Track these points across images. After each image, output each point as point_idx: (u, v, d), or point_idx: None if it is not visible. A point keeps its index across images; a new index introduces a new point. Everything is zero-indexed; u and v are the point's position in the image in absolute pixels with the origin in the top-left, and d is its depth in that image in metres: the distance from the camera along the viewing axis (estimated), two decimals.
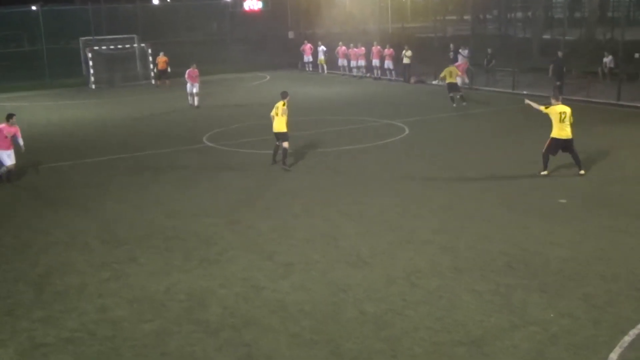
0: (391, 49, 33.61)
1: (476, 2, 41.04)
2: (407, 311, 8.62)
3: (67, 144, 20.94)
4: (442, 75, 24.30)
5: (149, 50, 35.61)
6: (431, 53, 33.49)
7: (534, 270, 9.73)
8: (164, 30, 44.47)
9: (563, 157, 14.81)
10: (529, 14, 43.81)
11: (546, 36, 39.17)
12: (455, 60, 30.41)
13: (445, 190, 14.18)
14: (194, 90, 26.48)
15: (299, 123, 20.74)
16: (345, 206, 13.21)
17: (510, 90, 27.26)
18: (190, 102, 26.70)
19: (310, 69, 39.46)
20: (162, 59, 33.50)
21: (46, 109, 28.36)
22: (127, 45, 35.98)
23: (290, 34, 43.80)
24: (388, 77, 34.17)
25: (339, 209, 13.02)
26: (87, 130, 23.26)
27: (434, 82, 31.12)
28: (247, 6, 45.50)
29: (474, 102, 24.35)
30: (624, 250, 10.41)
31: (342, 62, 37.07)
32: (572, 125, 14.45)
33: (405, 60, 32.52)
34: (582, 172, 14.59)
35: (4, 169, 15.51)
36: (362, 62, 35.47)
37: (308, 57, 39.35)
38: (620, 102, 23.48)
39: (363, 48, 35.21)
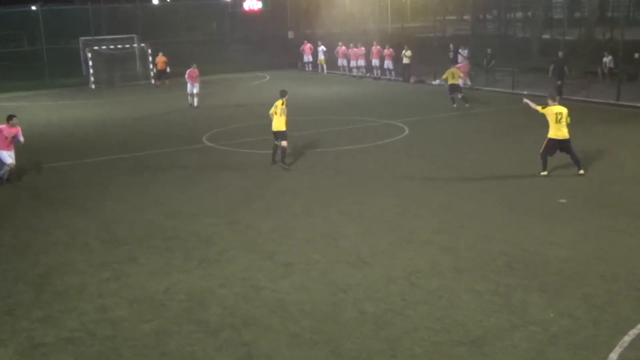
0: (391, 49, 33.63)
1: (476, 2, 41.05)
2: (407, 311, 8.62)
3: (67, 143, 20.94)
4: (444, 77, 24.28)
5: (149, 50, 35.62)
6: (431, 53, 33.49)
7: (534, 270, 9.73)
8: (163, 30, 44.48)
9: (563, 157, 14.81)
10: (529, 14, 43.80)
11: (546, 36, 39.18)
12: (455, 60, 30.44)
13: (445, 190, 14.18)
14: (195, 91, 26.49)
15: (298, 123, 20.75)
16: (345, 206, 13.21)
17: (510, 90, 27.27)
18: (190, 102, 26.71)
19: (310, 68, 39.48)
20: (161, 59, 33.49)
21: (46, 109, 28.36)
22: (127, 45, 36.00)
23: (290, 34, 43.81)
24: (388, 77, 34.18)
25: (339, 209, 13.02)
26: (87, 130, 23.26)
27: (433, 82, 31.16)
28: (246, 6, 45.50)
29: (474, 102, 24.34)
30: (624, 250, 10.41)
31: (341, 62, 37.09)
32: (570, 125, 14.46)
33: (405, 60, 32.54)
34: (581, 171, 14.60)
35: (5, 169, 15.48)
36: (361, 62, 35.50)
37: (308, 57, 39.37)
38: (620, 102, 23.48)
39: (363, 48, 35.23)
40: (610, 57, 28.17)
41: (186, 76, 26.44)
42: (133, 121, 24.67)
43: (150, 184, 15.56)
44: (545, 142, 14.53)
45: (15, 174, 16.00)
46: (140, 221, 12.78)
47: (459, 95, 23.63)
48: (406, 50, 32.41)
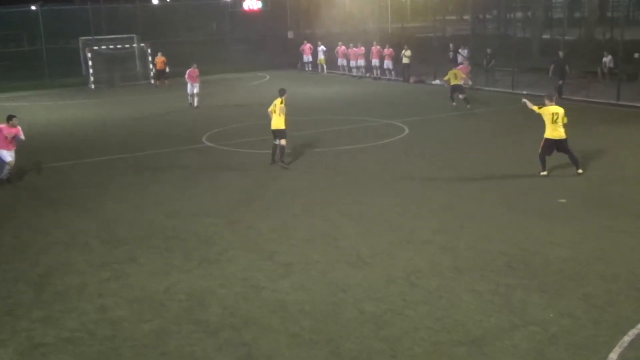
0: (391, 49, 33.64)
1: (476, 2, 41.07)
2: (407, 311, 8.62)
3: (66, 143, 20.94)
4: (446, 78, 24.26)
5: (149, 50, 35.61)
6: (431, 53, 33.50)
7: (534, 270, 9.73)
8: (163, 30, 44.51)
9: (562, 157, 14.81)
10: (529, 13, 43.81)
11: (546, 36, 39.19)
12: (455, 60, 30.44)
13: (445, 190, 14.18)
14: (195, 91, 26.47)
15: (298, 123, 20.75)
16: (345, 206, 13.22)
17: (509, 90, 27.27)
18: (190, 102, 26.70)
19: (310, 68, 39.49)
20: (160, 59, 33.50)
21: (46, 109, 28.36)
22: (127, 45, 36.00)
23: (290, 34, 43.82)
24: (387, 77, 34.19)
25: (338, 209, 13.02)
26: (86, 130, 23.26)
27: (433, 82, 31.17)
28: (246, 6, 45.53)
29: (474, 102, 24.30)
30: (624, 250, 10.41)
31: (341, 61, 37.10)
32: (569, 125, 14.46)
33: (405, 60, 32.54)
34: (580, 171, 14.61)
35: (6, 168, 15.43)
36: (361, 62, 35.50)
37: (307, 57, 39.39)
38: (620, 102, 23.48)
39: (362, 48, 35.24)
40: (610, 57, 28.16)
41: (186, 76, 26.44)
42: (133, 121, 24.67)
43: (150, 184, 15.57)
44: (542, 142, 14.55)
45: (15, 174, 15.98)
46: (140, 221, 12.78)
47: (460, 96, 23.63)
48: (406, 50, 32.42)
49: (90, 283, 9.94)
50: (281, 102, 16.09)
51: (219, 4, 46.12)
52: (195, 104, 26.50)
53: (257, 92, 30.65)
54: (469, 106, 23.47)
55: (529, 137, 17.49)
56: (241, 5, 46.00)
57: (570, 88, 25.23)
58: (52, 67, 35.72)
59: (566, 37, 35.51)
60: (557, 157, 14.92)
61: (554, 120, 14.32)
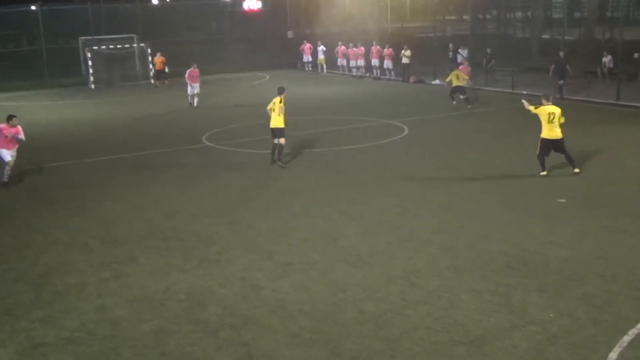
0: (390, 49, 33.64)
1: (475, 2, 41.08)
2: (407, 311, 8.62)
3: (66, 143, 20.94)
4: (448, 79, 24.25)
5: (149, 50, 35.61)
6: (430, 53, 33.50)
7: (534, 270, 9.73)
8: (163, 30, 44.50)
9: (561, 157, 14.82)
10: (528, 13, 43.83)
11: (545, 36, 39.18)
12: (455, 59, 30.43)
13: (444, 190, 14.18)
14: (195, 91, 26.42)
15: (298, 123, 20.76)
16: (344, 206, 13.22)
17: (509, 90, 27.27)
18: (190, 102, 26.66)
19: (310, 68, 39.50)
20: (159, 59, 33.50)
21: (45, 109, 28.36)
22: (127, 45, 36.00)
23: (290, 34, 43.83)
24: (387, 76, 34.19)
25: (338, 209, 13.02)
26: (86, 130, 23.26)
27: (433, 82, 31.17)
28: (246, 6, 45.52)
29: (474, 101, 24.30)
30: (624, 250, 10.42)
31: (341, 61, 37.11)
32: (569, 125, 14.46)
33: (405, 60, 32.55)
34: (576, 170, 14.60)
35: (6, 169, 15.38)
36: (361, 62, 35.50)
37: (307, 57, 39.40)
38: (620, 102, 23.48)
39: (362, 48, 35.25)
40: (609, 57, 28.16)
41: (186, 76, 26.36)
42: (133, 121, 24.66)
43: (150, 183, 15.56)
44: (539, 143, 14.55)
45: (15, 174, 15.86)
46: (140, 221, 12.78)
47: (461, 96, 23.66)
48: (405, 50, 32.42)
49: (90, 283, 9.94)
50: (280, 101, 16.10)
51: (219, 4, 46.14)
52: (195, 104, 26.49)
53: (257, 92, 30.65)
54: (469, 106, 23.48)
55: (529, 137, 17.47)
56: (241, 5, 46.00)
57: (570, 88, 25.23)
58: (52, 67, 35.72)
59: (566, 37, 35.51)
60: (556, 157, 14.93)
61: (550, 120, 14.32)
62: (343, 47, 36.71)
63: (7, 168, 15.39)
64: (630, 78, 26.26)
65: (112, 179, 16.13)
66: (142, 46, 36.06)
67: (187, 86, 26.55)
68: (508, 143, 18.24)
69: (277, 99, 16.18)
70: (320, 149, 18.39)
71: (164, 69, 33.20)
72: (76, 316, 8.86)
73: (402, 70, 32.90)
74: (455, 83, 23.64)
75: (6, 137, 15.18)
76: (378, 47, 34.27)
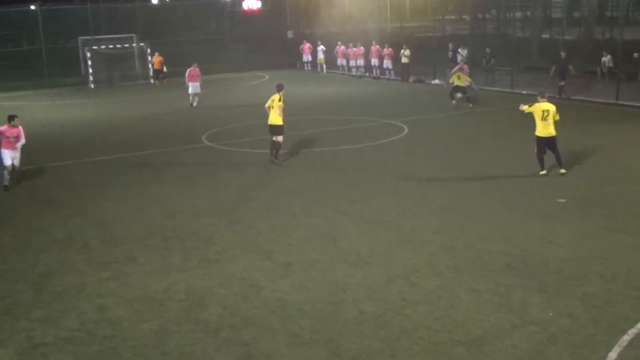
0: (390, 49, 33.64)
1: (475, 2, 40.99)
2: (407, 311, 8.62)
3: (66, 143, 20.93)
4: (450, 80, 24.26)
5: (148, 50, 35.59)
6: (430, 53, 33.50)
7: (534, 270, 9.73)
8: (163, 30, 44.45)
9: (562, 156, 14.81)
10: (528, 13, 43.84)
11: (545, 36, 39.19)
12: (454, 59, 30.41)
13: (444, 190, 14.19)
14: (195, 91, 26.36)
15: (298, 122, 20.76)
16: (344, 206, 13.22)
17: (509, 90, 27.27)
18: (191, 101, 26.60)
19: (310, 68, 39.50)
20: (157, 59, 33.51)
21: (45, 109, 28.35)
22: (126, 45, 35.99)
23: (289, 34, 43.80)
24: (387, 76, 34.19)
25: (338, 209, 13.02)
26: (86, 129, 23.25)
27: (432, 82, 31.17)
28: (246, 6, 45.51)
29: (474, 101, 24.31)
30: (623, 250, 10.42)
31: (341, 61, 37.10)
32: (557, 123, 14.44)
33: (404, 60, 32.55)
34: (562, 171, 14.59)
35: (6, 175, 15.33)
36: (361, 62, 35.49)
37: (307, 57, 39.41)
38: (619, 102, 23.47)
39: (362, 47, 35.24)
40: (609, 57, 28.16)
41: (186, 75, 26.27)
42: (132, 121, 24.66)
43: (150, 183, 15.56)
44: (535, 142, 14.56)
45: (15, 176, 15.71)
46: (140, 221, 12.78)
47: (458, 95, 23.68)
48: (405, 50, 32.42)
49: (89, 283, 9.93)
50: (279, 99, 16.11)
51: (219, 4, 46.12)
52: (195, 103, 26.46)
53: (257, 92, 30.60)
54: (470, 105, 23.52)
55: (528, 137, 17.45)
56: (241, 4, 45.98)
57: (569, 88, 25.20)
58: (52, 67, 35.70)
59: (565, 37, 35.55)
60: (554, 158, 14.94)
61: (544, 117, 14.31)
62: (343, 47, 36.71)
63: (7, 172, 15.30)
64: (629, 78, 26.26)
65: (112, 178, 16.13)
66: (142, 46, 36.05)
67: (187, 84, 26.43)
68: (508, 143, 18.23)
69: (276, 97, 16.18)
70: (320, 148, 18.39)
71: (162, 69, 33.19)
72: (76, 316, 8.86)
73: (401, 70, 32.89)
74: (456, 83, 23.69)
75: (8, 138, 15.14)
76: (377, 46, 34.27)
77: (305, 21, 44.31)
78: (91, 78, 34.78)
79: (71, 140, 21.49)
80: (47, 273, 10.39)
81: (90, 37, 36.25)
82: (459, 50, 31.66)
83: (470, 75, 25.35)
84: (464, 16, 50.44)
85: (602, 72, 28.28)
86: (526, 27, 42.05)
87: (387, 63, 33.81)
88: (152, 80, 34.91)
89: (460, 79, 23.67)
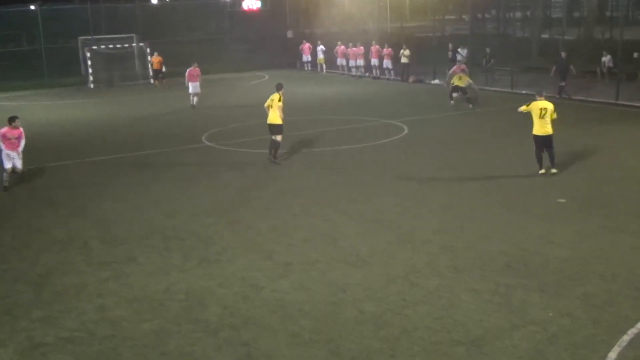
0: (390, 49, 33.65)
1: (475, 2, 40.99)
2: (407, 311, 8.62)
3: (66, 143, 20.93)
4: (452, 81, 24.26)
5: (148, 50, 35.59)
6: (430, 53, 33.50)
7: (534, 270, 9.73)
8: (162, 30, 44.46)
9: (561, 157, 14.83)
10: (528, 13, 43.84)
11: (545, 35, 39.21)
12: (454, 59, 30.43)
13: (444, 190, 14.19)
14: (195, 90, 26.34)
15: (298, 122, 20.76)
16: (344, 206, 13.22)
17: (509, 90, 27.27)
18: (192, 101, 26.56)
19: (309, 68, 39.50)
20: (156, 58, 33.51)
21: (45, 109, 28.35)
22: (126, 45, 35.99)
23: (289, 34, 43.81)
24: (387, 76, 34.19)
25: (338, 209, 13.02)
26: (86, 129, 23.25)
27: (432, 82, 31.18)
28: (246, 5, 45.51)
29: (474, 101, 24.31)
30: (623, 250, 10.42)
31: (341, 61, 37.11)
32: (554, 121, 14.43)
33: (404, 60, 32.56)
34: (554, 170, 14.58)
35: (6, 177, 15.31)
36: (360, 62, 35.50)
37: (307, 57, 39.42)
38: (619, 102, 23.48)
39: (362, 47, 35.25)
40: (609, 57, 28.17)
41: (187, 75, 26.23)
42: (132, 121, 24.66)
43: (150, 183, 15.56)
44: (533, 141, 14.56)
45: (15, 179, 15.60)
46: (140, 221, 12.78)
47: (454, 94, 23.77)
48: (404, 50, 32.42)
49: (89, 283, 9.94)
50: (279, 99, 16.11)
51: (219, 4, 46.12)
52: (195, 103, 26.44)
53: (256, 92, 30.59)
54: (470, 105, 23.53)
55: (528, 137, 17.44)
56: (240, 4, 45.98)
57: (569, 88, 25.20)
58: (51, 67, 35.69)
59: (565, 37, 35.55)
60: (557, 157, 14.94)
61: (541, 116, 14.31)
62: (342, 47, 36.71)
63: (6, 174, 15.28)
64: (629, 78, 26.27)
65: (112, 178, 16.12)
66: (142, 46, 36.04)
67: (187, 84, 26.37)
68: (508, 143, 18.23)
69: (275, 96, 16.19)
70: (319, 148, 18.39)
71: (161, 69, 33.18)
72: (76, 316, 8.86)
73: (401, 70, 32.90)
74: (457, 83, 23.73)
75: (9, 139, 15.12)
76: (377, 46, 34.28)
77: (305, 21, 44.32)
78: (91, 78, 34.78)
79: (71, 140, 21.49)
80: (47, 273, 10.39)
81: (90, 37, 36.25)
82: (459, 50, 31.68)
83: (470, 75, 25.39)
84: (464, 16, 50.45)
85: (602, 72, 28.29)
86: (526, 27, 42.06)
87: (387, 63, 33.82)
88: (152, 80, 34.91)
89: (461, 80, 23.70)
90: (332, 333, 8.12)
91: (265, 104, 16.45)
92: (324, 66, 38.11)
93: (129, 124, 24.10)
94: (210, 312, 8.83)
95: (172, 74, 32.60)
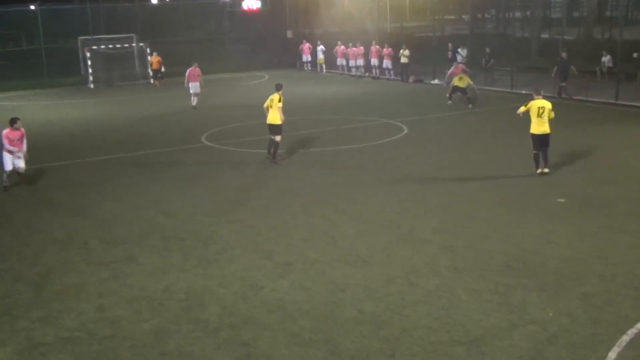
0: (390, 49, 33.64)
1: (475, 2, 41.01)
2: (406, 310, 8.62)
3: (65, 143, 20.93)
4: (453, 82, 24.27)
5: (148, 50, 35.58)
6: (430, 52, 33.50)
7: (533, 270, 9.74)
8: (162, 30, 44.46)
9: (560, 157, 14.84)
10: (527, 13, 43.84)
11: (544, 35, 39.21)
12: (454, 59, 30.43)
13: (444, 189, 14.19)
14: (196, 91, 26.30)
15: (298, 122, 20.76)
16: (344, 205, 13.22)
17: (508, 90, 27.28)
18: (192, 102, 26.52)
19: (309, 68, 39.48)
20: (155, 58, 33.47)
21: (45, 109, 28.34)
22: (126, 45, 35.96)
23: (289, 34, 43.79)
24: (386, 76, 34.19)
25: (338, 208, 13.03)
26: (85, 129, 23.24)
27: (432, 82, 31.18)
28: (245, 5, 45.46)
29: (474, 101, 24.32)
30: (623, 250, 10.42)
31: (340, 61, 37.09)
32: (552, 121, 14.42)
33: (403, 60, 32.54)
34: (546, 170, 14.57)
35: (5, 177, 15.31)
36: (360, 62, 35.49)
37: (307, 57, 39.40)
38: (619, 102, 23.48)
39: (362, 47, 35.23)
40: (608, 57, 28.18)
41: (187, 75, 26.17)
42: (132, 121, 24.65)
43: (149, 183, 15.56)
44: (531, 140, 14.56)
45: (16, 179, 15.58)
46: (139, 220, 12.78)
47: (449, 94, 23.81)
48: (404, 50, 32.41)
49: (89, 282, 9.93)
50: (279, 100, 16.11)
51: (218, 4, 46.07)
52: (194, 103, 26.42)
53: (256, 92, 30.59)
54: (470, 105, 23.56)
55: (528, 137, 17.47)
56: (240, 4, 45.93)
57: (569, 88, 25.20)
58: (51, 67, 35.68)
59: (565, 37, 35.53)
60: (554, 157, 14.94)
61: (539, 114, 14.31)
62: (342, 47, 36.70)
63: (5, 175, 15.27)
64: (629, 78, 26.24)
65: (112, 178, 16.12)
66: (142, 46, 36.03)
67: (187, 84, 26.32)
68: (508, 143, 18.23)
69: (275, 96, 16.19)
70: (319, 148, 18.39)
71: (160, 69, 33.15)
72: (75, 316, 8.86)
73: (401, 70, 32.89)
74: (457, 83, 23.75)
75: (12, 141, 15.10)
76: (377, 46, 34.27)
77: (305, 21, 44.30)
78: (91, 78, 34.76)
79: (71, 140, 21.49)
80: (47, 273, 10.39)
81: (89, 37, 36.21)
82: (459, 50, 31.68)
83: (471, 75, 25.39)
84: (464, 16, 50.46)
85: (602, 72, 28.29)
86: (526, 27, 42.05)
87: (386, 63, 33.81)
88: (151, 80, 34.90)
89: (462, 81, 23.72)
90: (331, 333, 8.13)
91: (265, 105, 16.46)
92: (324, 66, 38.10)
93: (129, 124, 24.09)
94: (209, 311, 8.83)
95: (172, 74, 32.58)
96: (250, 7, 45.21)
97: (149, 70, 35.08)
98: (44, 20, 36.00)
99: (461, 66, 25.96)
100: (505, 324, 8.16)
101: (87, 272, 10.36)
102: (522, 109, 14.68)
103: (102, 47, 35.31)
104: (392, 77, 33.80)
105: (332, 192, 14.17)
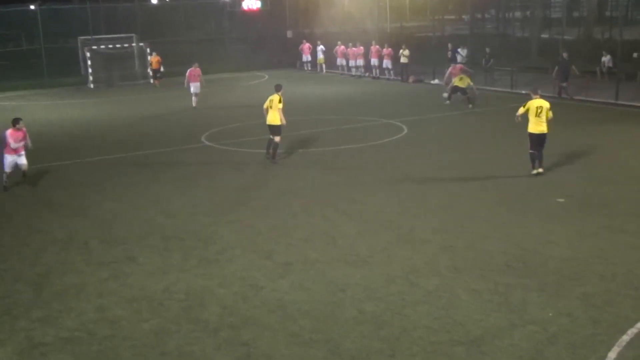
0: (390, 49, 33.64)
1: (475, 2, 41.06)
2: (406, 310, 8.62)
3: (65, 143, 20.93)
4: (453, 82, 24.26)
5: (148, 50, 35.58)
6: (429, 52, 33.50)
7: (533, 270, 9.74)
8: (162, 30, 44.46)
9: (559, 156, 14.84)
10: (527, 13, 43.84)
11: (544, 35, 39.21)
12: (454, 59, 30.43)
13: (444, 189, 14.19)
14: (196, 91, 26.27)
15: (298, 122, 20.75)
16: (344, 205, 13.22)
17: (508, 90, 27.28)
18: (193, 102, 26.50)
19: (309, 68, 39.48)
20: (154, 58, 33.47)
21: (44, 109, 28.33)
22: (126, 45, 35.95)
23: (289, 33, 43.79)
24: (386, 76, 34.19)
25: (338, 208, 13.03)
26: (85, 129, 23.24)
27: (432, 82, 31.18)
28: (245, 5, 45.45)
29: (474, 101, 24.32)
30: (623, 250, 10.42)
31: (340, 61, 37.08)
32: (550, 121, 14.41)
33: (403, 60, 32.54)
34: (540, 170, 14.56)
35: (5, 178, 15.29)
36: (360, 62, 35.48)
37: (307, 57, 39.39)
38: (619, 102, 23.48)
39: (362, 47, 35.23)
40: (608, 57, 28.16)
41: (187, 75, 26.15)
42: (132, 121, 24.65)
43: (149, 183, 15.56)
44: (528, 139, 14.55)
45: (15, 176, 15.60)
46: (139, 220, 12.78)
47: (445, 94, 23.86)
48: (404, 50, 32.40)
49: (89, 282, 9.94)
50: (279, 100, 16.11)
51: (218, 4, 46.07)
52: (194, 103, 26.40)
53: (256, 92, 30.59)
54: (470, 105, 23.57)
55: (527, 137, 17.50)
56: (240, 4, 45.92)
57: (570, 88, 25.19)
58: (51, 67, 35.67)
59: (565, 37, 35.52)
60: (553, 157, 14.94)
61: (537, 114, 14.31)
62: (342, 47, 36.70)
63: (5, 175, 15.26)
64: (629, 78, 26.24)
65: (112, 178, 16.12)
66: (142, 46, 36.02)
67: (188, 85, 26.31)
68: (507, 143, 18.21)
69: (275, 97, 16.19)
70: (319, 148, 18.39)
71: (159, 69, 33.15)
72: (75, 316, 8.86)
73: (401, 70, 32.89)
74: (457, 83, 23.76)
75: (15, 140, 15.09)
76: (377, 46, 34.27)
77: (305, 21, 44.30)
78: (91, 78, 34.75)
79: (71, 140, 21.49)
80: (47, 273, 10.39)
81: (89, 37, 36.20)
82: (459, 50, 31.67)
83: (471, 75, 25.38)
84: (464, 16, 50.46)
85: (602, 72, 28.29)
86: (526, 27, 42.03)
87: (386, 63, 33.81)
88: (151, 80, 34.90)
89: (462, 81, 23.73)
90: (331, 333, 8.13)
91: (264, 106, 16.45)
92: (324, 66, 38.09)
93: (129, 124, 24.09)
94: (209, 311, 8.83)
95: (172, 74, 32.57)
96: (250, 7, 45.20)
97: (149, 70, 35.09)
98: (44, 20, 35.99)
99: (459, 66, 25.96)
100: (505, 324, 8.16)
101: (87, 272, 10.36)
102: (520, 110, 14.66)
103: (102, 47, 35.30)
104: (392, 77, 33.80)
105: (332, 192, 14.17)
